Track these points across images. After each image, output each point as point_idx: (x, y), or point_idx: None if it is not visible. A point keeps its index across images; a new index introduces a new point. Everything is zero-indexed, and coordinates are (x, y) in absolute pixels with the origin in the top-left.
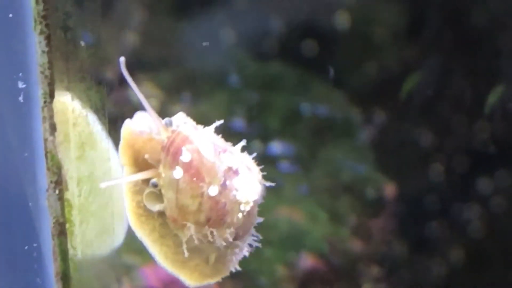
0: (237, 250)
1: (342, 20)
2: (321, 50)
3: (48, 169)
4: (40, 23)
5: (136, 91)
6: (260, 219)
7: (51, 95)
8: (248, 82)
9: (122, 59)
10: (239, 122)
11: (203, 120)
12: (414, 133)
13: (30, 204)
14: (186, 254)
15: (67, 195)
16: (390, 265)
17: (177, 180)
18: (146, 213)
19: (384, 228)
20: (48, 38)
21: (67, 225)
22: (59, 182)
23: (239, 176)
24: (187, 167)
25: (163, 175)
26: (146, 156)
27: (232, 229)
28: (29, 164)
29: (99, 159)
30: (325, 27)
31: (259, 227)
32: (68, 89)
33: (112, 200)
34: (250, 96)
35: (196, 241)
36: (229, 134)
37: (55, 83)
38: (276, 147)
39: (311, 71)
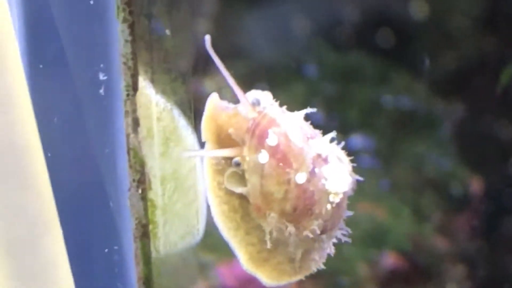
0: (324, 246)
1: (419, 8)
2: (400, 40)
3: (131, 166)
4: (124, 10)
5: (222, 68)
6: (350, 213)
7: (134, 88)
8: (326, 73)
9: (207, 37)
10: (317, 114)
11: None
12: (501, 126)
13: (111, 203)
14: (269, 245)
15: (151, 194)
16: (475, 263)
17: (263, 165)
18: (227, 198)
19: (469, 225)
20: (131, 27)
21: (150, 227)
22: (142, 181)
23: (328, 164)
24: (273, 151)
25: (247, 158)
26: (230, 130)
27: (320, 221)
28: (111, 161)
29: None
30: (405, 16)
31: None
32: (152, 81)
33: (197, 198)
34: (329, 87)
35: (280, 234)
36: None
37: (139, 74)
38: (356, 140)
39: (392, 61)
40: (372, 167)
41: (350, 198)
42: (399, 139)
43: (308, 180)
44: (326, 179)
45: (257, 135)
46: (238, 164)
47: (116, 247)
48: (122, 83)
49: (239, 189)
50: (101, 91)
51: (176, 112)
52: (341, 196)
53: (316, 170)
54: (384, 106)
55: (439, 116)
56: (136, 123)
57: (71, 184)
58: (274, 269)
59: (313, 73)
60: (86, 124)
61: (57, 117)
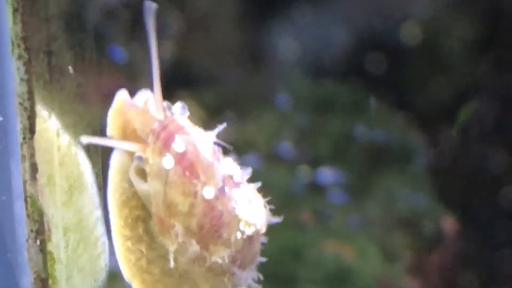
0: (235, 281)
1: (408, 33)
2: (382, 67)
3: (28, 216)
4: (19, 46)
5: (154, 51)
6: (263, 259)
7: (32, 130)
8: (298, 103)
9: (149, 4)
10: (286, 146)
11: (248, 142)
12: (480, 159)
13: (8, 255)
14: (172, 264)
15: (51, 246)
16: None
17: (167, 171)
18: (132, 233)
19: (442, 266)
20: (28, 64)
21: (50, 281)
22: (40, 232)
23: (240, 189)
24: (180, 158)
25: (150, 161)
26: (137, 126)
27: (229, 250)
28: (7, 209)
29: (90, 204)
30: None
31: (301, 263)
32: (53, 123)
33: (106, 251)
34: (300, 118)
35: (184, 254)
36: (275, 158)
37: (36, 116)
38: (326, 174)
39: (369, 90)
40: (342, 202)
41: (316, 235)
42: (371, 173)
43: (217, 197)
44: (237, 203)
45: (163, 137)
46: (140, 159)
47: None
48: (18, 125)
49: (144, 185)
50: None
51: (82, 156)
52: (253, 229)
53: (226, 189)
54: (357, 138)
55: (414, 149)
56: (34, 169)
57: None
58: None
59: (285, 103)
60: None
61: None
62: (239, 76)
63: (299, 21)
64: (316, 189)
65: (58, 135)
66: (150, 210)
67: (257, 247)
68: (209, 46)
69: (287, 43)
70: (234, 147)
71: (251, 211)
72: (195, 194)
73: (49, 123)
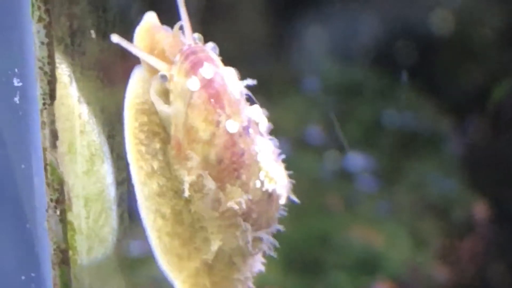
0: (248, 250)
1: (439, 21)
2: (412, 54)
3: (48, 184)
4: (39, 8)
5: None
6: (280, 228)
7: (52, 96)
8: (327, 87)
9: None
10: (315, 131)
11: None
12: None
13: (27, 225)
14: (187, 193)
15: (71, 216)
16: None
17: (191, 92)
18: (147, 141)
19: (473, 253)
20: (48, 27)
21: (70, 253)
22: (60, 201)
23: (264, 139)
24: (206, 84)
25: (175, 78)
26: (166, 47)
27: (246, 197)
28: (27, 178)
29: (112, 175)
30: (418, 28)
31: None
32: (74, 89)
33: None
34: (329, 103)
35: (201, 197)
36: (304, 143)
37: (57, 81)
38: (355, 159)
39: (400, 76)
40: (370, 188)
41: (343, 220)
42: (401, 159)
43: (240, 134)
44: (259, 150)
45: (192, 59)
46: (164, 78)
47: (33, 274)
48: (38, 91)
49: (164, 107)
50: (16, 99)
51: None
52: (273, 185)
53: (251, 131)
54: (387, 124)
55: (445, 135)
56: (54, 136)
57: None
58: (190, 276)
59: (314, 87)
60: None
61: None
62: (268, 60)
63: (330, 6)
64: (345, 174)
65: (79, 101)
66: (169, 133)
67: (275, 210)
68: (239, 30)
69: (318, 28)
70: None
71: (273, 166)
72: (217, 124)
73: (70, 89)
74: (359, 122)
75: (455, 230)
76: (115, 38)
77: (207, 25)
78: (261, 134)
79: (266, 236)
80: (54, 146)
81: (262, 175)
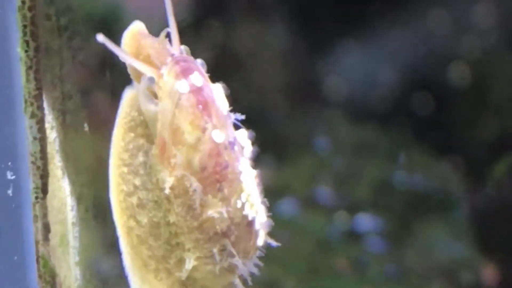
0: (226, 259)
1: (456, 74)
2: (427, 109)
3: (40, 277)
4: (31, 104)
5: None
6: (259, 263)
7: (44, 190)
8: (338, 147)
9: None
10: (324, 191)
11: (285, 186)
12: None
13: None
14: (168, 190)
15: None
16: None
17: (180, 94)
18: (130, 161)
19: None
20: (40, 122)
21: None
22: None
23: (248, 163)
24: (195, 90)
25: (164, 78)
26: (152, 52)
27: (226, 210)
28: (20, 270)
29: None
30: (435, 82)
31: None
32: (66, 182)
33: None
34: (339, 163)
35: (181, 202)
36: (313, 203)
37: (49, 175)
38: (365, 220)
39: (412, 133)
40: (379, 250)
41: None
42: (410, 220)
43: (225, 147)
44: (243, 171)
45: (182, 65)
46: (151, 80)
47: None
48: (31, 185)
49: (152, 105)
50: (9, 191)
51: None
52: (253, 214)
53: (236, 148)
54: (397, 185)
55: (455, 196)
56: (46, 229)
57: None
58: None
59: (324, 146)
60: None
61: None
62: (279, 118)
63: (343, 61)
64: (354, 235)
65: (71, 194)
66: (155, 133)
67: (253, 244)
68: (250, 85)
69: (330, 84)
70: (271, 190)
71: (256, 195)
72: (204, 130)
73: (62, 182)
74: (369, 183)
75: None
76: (100, 37)
77: (222, 79)
78: (244, 155)
79: (241, 265)
80: (46, 238)
81: (243, 196)
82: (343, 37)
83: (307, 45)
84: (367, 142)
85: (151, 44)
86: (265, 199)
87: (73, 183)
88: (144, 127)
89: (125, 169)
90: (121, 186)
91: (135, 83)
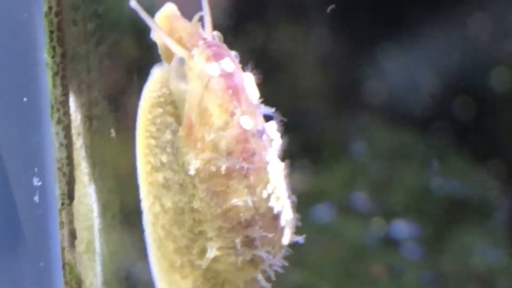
0: (249, 250)
1: (498, 79)
2: (467, 115)
3: (66, 283)
4: (58, 110)
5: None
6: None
7: (70, 197)
8: (374, 152)
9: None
10: (360, 197)
11: (321, 191)
12: None
13: None
14: (192, 171)
15: None
16: None
17: (210, 76)
18: (157, 135)
19: None
20: (67, 128)
21: None
22: None
23: (276, 155)
24: (226, 75)
25: (195, 59)
26: (184, 35)
27: (251, 199)
28: (46, 277)
29: None
30: (476, 87)
31: None
32: (92, 188)
33: None
34: (375, 168)
35: (206, 187)
36: (348, 209)
37: (76, 182)
38: (401, 227)
39: (450, 140)
40: (415, 256)
41: None
42: (447, 227)
43: (253, 134)
44: (270, 161)
45: (214, 50)
46: (182, 61)
47: None
48: (57, 191)
49: (182, 84)
50: (36, 198)
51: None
52: (279, 208)
53: (264, 138)
54: (434, 190)
55: (493, 204)
56: (72, 235)
57: None
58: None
59: (361, 151)
60: (19, 234)
61: None
62: (317, 122)
63: (382, 65)
64: (390, 242)
65: (98, 200)
66: (183, 114)
67: (278, 240)
68: (288, 88)
69: (369, 88)
70: (307, 195)
71: (283, 188)
72: (232, 114)
73: (89, 188)
74: (405, 188)
75: None
76: (133, 3)
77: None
78: (272, 147)
79: (264, 260)
80: (72, 245)
81: (270, 187)
82: (383, 41)
83: (346, 49)
84: (404, 147)
85: (184, 26)
86: (295, 197)
87: (99, 189)
88: (174, 107)
89: (153, 142)
90: (148, 157)
91: (165, 63)
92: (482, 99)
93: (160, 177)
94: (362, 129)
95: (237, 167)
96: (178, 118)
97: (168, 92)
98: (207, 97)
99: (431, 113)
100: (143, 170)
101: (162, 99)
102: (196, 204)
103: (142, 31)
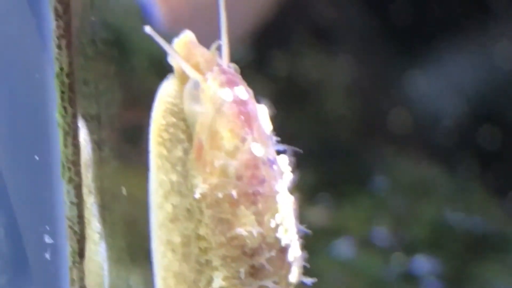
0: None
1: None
2: (491, 146)
3: None
4: (69, 169)
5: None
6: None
7: (81, 255)
8: (395, 186)
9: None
10: (381, 231)
11: (341, 225)
12: None
13: None
14: (198, 195)
15: None
16: None
17: (223, 100)
18: (169, 146)
19: None
20: (78, 188)
21: None
22: None
23: (286, 187)
24: (239, 102)
25: (209, 82)
26: (201, 60)
27: (257, 230)
28: None
29: None
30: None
31: None
32: (103, 246)
33: None
34: (396, 202)
35: (209, 214)
36: (369, 244)
37: (86, 239)
38: (422, 262)
39: (472, 172)
40: None
41: None
42: (468, 263)
43: (264, 163)
44: (279, 192)
45: (229, 77)
46: (196, 85)
47: None
48: (68, 249)
49: (195, 105)
50: (47, 255)
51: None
52: (287, 241)
53: (275, 167)
54: (455, 226)
55: None
56: None
57: None
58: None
59: (382, 186)
60: None
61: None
62: (338, 157)
63: (408, 94)
64: (411, 277)
65: (109, 258)
66: (194, 134)
67: (285, 272)
68: (313, 117)
69: (393, 117)
70: (327, 230)
71: (291, 221)
72: (243, 140)
73: (99, 246)
74: (426, 223)
75: None
76: (148, 29)
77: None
78: (284, 182)
79: (274, 287)
80: None
81: (278, 217)
82: (408, 69)
83: (371, 77)
84: (426, 181)
85: (202, 53)
86: (310, 232)
87: (110, 247)
88: (187, 126)
89: (165, 151)
90: (160, 175)
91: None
92: (508, 129)
93: (169, 207)
94: (384, 162)
95: (246, 192)
96: (190, 138)
97: (181, 104)
98: (219, 121)
99: (455, 143)
100: (154, 204)
101: (175, 109)
102: (202, 231)
103: (153, 91)
